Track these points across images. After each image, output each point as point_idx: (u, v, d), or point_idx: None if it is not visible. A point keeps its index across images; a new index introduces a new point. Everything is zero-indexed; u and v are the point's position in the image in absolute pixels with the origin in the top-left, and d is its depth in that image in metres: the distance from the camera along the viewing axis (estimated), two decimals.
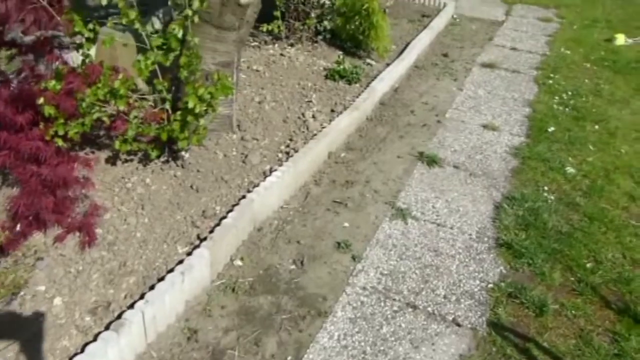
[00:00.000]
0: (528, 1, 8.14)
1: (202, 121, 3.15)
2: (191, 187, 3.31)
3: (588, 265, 3.04)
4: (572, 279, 2.96)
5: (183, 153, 3.45)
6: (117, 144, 3.16)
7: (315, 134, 3.85)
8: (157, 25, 4.13)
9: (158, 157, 3.39)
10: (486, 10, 7.50)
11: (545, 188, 3.69)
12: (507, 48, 6.27)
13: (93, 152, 3.45)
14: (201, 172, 3.43)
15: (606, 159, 4.07)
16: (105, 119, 3.00)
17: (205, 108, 3.04)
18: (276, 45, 5.48)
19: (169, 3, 3.17)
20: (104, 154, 3.44)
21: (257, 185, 3.25)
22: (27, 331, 2.34)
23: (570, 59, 6.00)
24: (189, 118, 3.06)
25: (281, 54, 5.24)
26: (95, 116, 2.94)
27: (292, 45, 5.51)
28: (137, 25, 2.98)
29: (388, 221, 3.32)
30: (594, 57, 6.08)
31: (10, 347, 2.26)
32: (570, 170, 3.88)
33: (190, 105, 2.95)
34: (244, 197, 3.15)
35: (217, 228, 2.88)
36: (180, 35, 3.05)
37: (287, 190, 3.46)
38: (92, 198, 3.03)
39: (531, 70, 5.67)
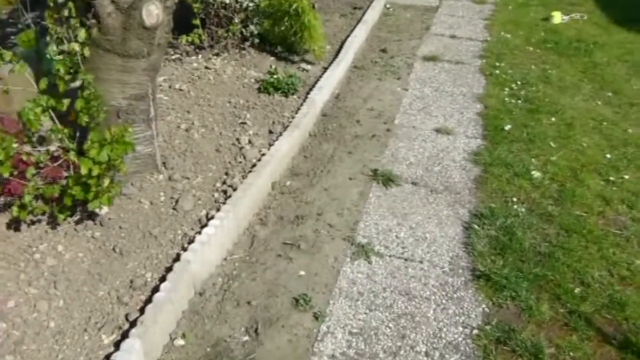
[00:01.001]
0: None
1: (107, 181, 2.58)
2: (114, 249, 2.76)
3: (576, 290, 2.73)
4: (562, 310, 2.63)
5: (98, 210, 2.88)
6: (14, 211, 2.58)
7: (254, 164, 3.36)
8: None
9: (68, 218, 2.81)
10: None
11: (514, 199, 3.36)
12: (447, 37, 5.94)
13: None
14: (125, 229, 2.88)
15: (570, 156, 3.79)
16: None
17: (105, 169, 2.49)
18: (200, 56, 4.91)
19: (47, 39, 2.57)
20: (4, 218, 2.83)
21: (192, 240, 2.73)
22: None
23: (512, 43, 5.74)
24: (90, 181, 2.50)
25: (206, 67, 4.68)
26: None
27: (217, 54, 4.95)
28: (19, 67, 2.38)
29: (349, 262, 2.89)
30: (535, 40, 5.85)
31: None
32: (536, 174, 3.58)
33: (84, 171, 2.39)
34: (177, 258, 2.64)
35: (149, 306, 2.36)
36: (66, 75, 2.47)
37: (229, 238, 2.96)
38: None
39: (475, 59, 5.37)
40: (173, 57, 4.87)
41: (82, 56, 2.58)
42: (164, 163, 3.34)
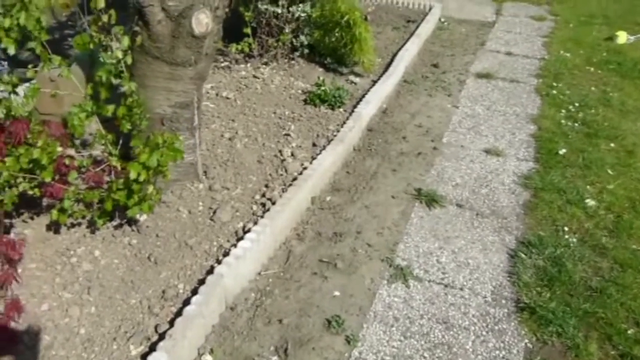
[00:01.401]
0: None
1: (150, 188, 2.57)
2: (149, 258, 2.76)
3: (629, 331, 2.53)
4: (613, 352, 2.44)
5: (138, 216, 2.89)
6: (54, 215, 2.61)
7: (295, 178, 3.30)
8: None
9: (107, 223, 2.83)
10: (475, 10, 6.98)
11: (565, 228, 3.17)
12: (502, 53, 5.75)
13: (32, 218, 2.89)
14: (161, 238, 2.88)
15: (629, 185, 3.56)
16: (33, 191, 2.43)
17: (152, 174, 2.48)
18: (249, 64, 4.92)
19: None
20: (45, 219, 2.88)
21: (227, 253, 2.70)
22: None
23: (571, 62, 5.49)
24: (135, 187, 2.50)
25: (254, 76, 4.68)
26: (19, 189, 2.37)
27: (266, 64, 4.96)
28: (64, 72, 2.41)
29: (386, 285, 2.78)
30: (596, 60, 5.58)
31: None
32: (590, 202, 3.37)
33: (133, 176, 2.39)
34: (211, 270, 2.60)
35: (179, 320, 2.32)
36: (108, 82, 2.48)
37: (265, 252, 2.91)
38: (19, 285, 2.46)
39: (531, 78, 5.16)
40: (222, 64, 4.91)
41: (126, 63, 2.58)
42: (205, 172, 3.33)
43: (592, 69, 5.37)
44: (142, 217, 2.94)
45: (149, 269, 2.70)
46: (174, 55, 2.79)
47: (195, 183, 3.26)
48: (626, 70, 5.28)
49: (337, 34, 4.67)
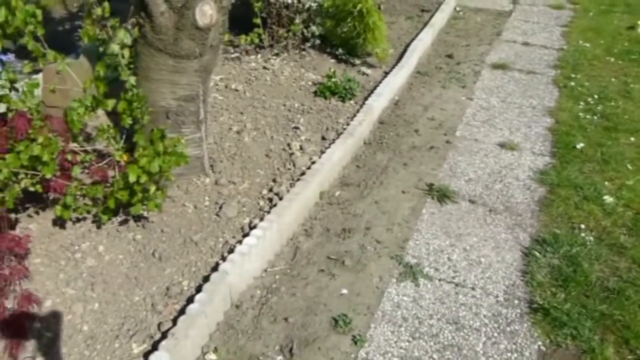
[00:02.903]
0: None
1: (152, 188, 2.52)
2: (153, 254, 2.72)
3: None
4: (630, 357, 2.35)
5: (142, 211, 2.84)
6: (57, 211, 2.57)
7: (303, 172, 3.23)
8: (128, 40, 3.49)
9: (112, 218, 2.80)
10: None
11: (582, 226, 3.07)
12: (519, 43, 5.60)
13: (38, 213, 2.87)
14: (166, 233, 2.83)
15: None
16: (35, 187, 2.39)
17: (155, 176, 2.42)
18: (259, 55, 4.85)
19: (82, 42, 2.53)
20: (51, 214, 2.85)
21: (232, 250, 2.65)
22: None
23: (590, 53, 5.33)
24: (136, 187, 2.45)
25: (264, 67, 4.61)
26: (21, 186, 2.34)
27: (277, 55, 4.88)
28: (60, 66, 2.36)
29: (395, 283, 2.71)
30: (617, 50, 5.41)
31: None
32: (608, 199, 3.26)
33: (132, 179, 2.34)
34: (216, 267, 2.56)
35: (182, 318, 2.28)
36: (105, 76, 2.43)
37: (271, 249, 2.85)
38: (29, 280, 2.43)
39: (548, 69, 5.02)
40: (232, 55, 4.84)
41: (124, 57, 2.52)
42: (211, 166, 3.27)
43: (612, 59, 5.20)
44: (148, 212, 2.89)
45: (153, 265, 2.66)
46: (178, 47, 2.73)
47: (202, 177, 3.21)
48: None
49: (349, 24, 4.57)
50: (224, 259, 2.63)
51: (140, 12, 2.67)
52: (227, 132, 3.67)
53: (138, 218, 2.86)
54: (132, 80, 2.58)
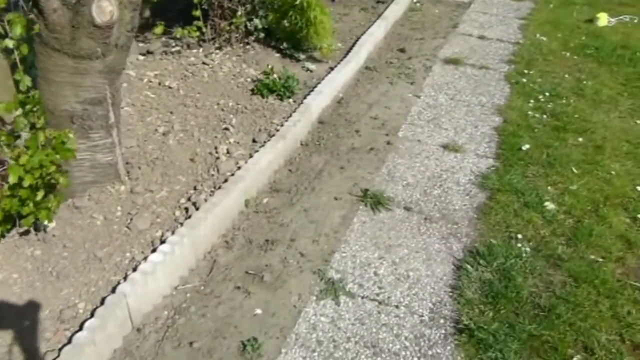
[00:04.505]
0: None
1: (40, 194, 2.29)
2: (51, 272, 2.48)
3: (575, 358, 2.28)
4: None
5: (46, 222, 2.61)
6: None
7: (226, 179, 3.02)
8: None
9: (4, 233, 2.56)
10: None
11: (519, 235, 2.90)
12: (475, 37, 5.42)
13: None
14: (69, 248, 2.60)
15: (593, 186, 3.29)
16: None
17: (39, 178, 2.20)
18: (201, 49, 4.60)
19: None
20: None
21: (136, 268, 2.43)
22: None
23: (547, 47, 5.16)
24: (22, 193, 2.22)
25: (203, 62, 4.36)
26: None
27: (219, 48, 4.63)
28: None
29: (314, 302, 2.53)
30: (573, 44, 5.25)
31: None
32: (549, 206, 3.11)
33: (12, 180, 2.11)
34: (114, 288, 2.34)
35: (67, 348, 2.07)
36: None
37: (185, 264, 2.64)
38: None
39: (502, 64, 4.85)
40: (173, 49, 4.58)
41: (20, 53, 2.28)
42: (128, 172, 3.04)
43: (568, 54, 5.05)
44: (51, 224, 2.66)
45: (49, 284, 2.43)
46: (76, 47, 2.48)
47: (117, 185, 2.97)
48: (603, 56, 4.96)
49: (291, 18, 4.34)
50: (126, 278, 2.42)
51: (33, 9, 2.42)
52: (152, 134, 3.43)
53: (39, 231, 2.62)
54: (27, 80, 2.35)
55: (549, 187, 3.27)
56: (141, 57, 4.43)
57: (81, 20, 2.41)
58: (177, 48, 4.63)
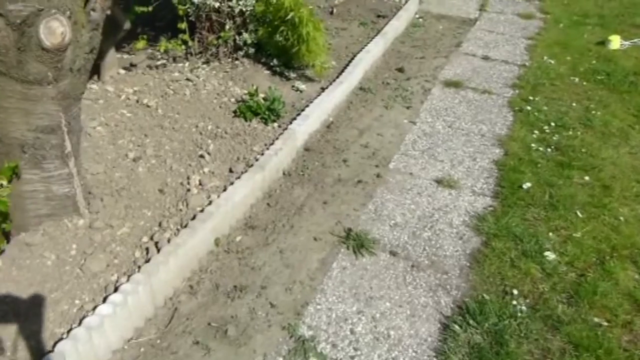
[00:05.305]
0: None
1: None
2: None
3: None
4: None
5: None
6: None
7: (194, 216, 2.75)
8: None
9: None
10: (457, 5, 6.34)
11: (515, 291, 2.62)
12: (478, 57, 5.13)
13: None
14: (10, 294, 2.33)
15: (599, 233, 3.00)
16: None
17: None
18: (187, 63, 4.34)
19: None
20: None
21: (82, 320, 2.17)
22: None
23: (554, 71, 4.86)
24: None
25: (187, 79, 4.11)
26: None
27: (207, 63, 4.37)
28: None
29: None
30: (583, 69, 4.95)
31: None
32: (550, 256, 2.82)
33: None
34: (55, 345, 2.07)
35: None
36: None
37: (141, 313, 2.38)
38: None
39: (506, 89, 4.56)
40: (158, 63, 4.33)
41: None
42: (88, 204, 2.78)
43: (576, 79, 4.74)
44: None
45: None
46: (24, 71, 2.22)
47: (75, 218, 2.71)
48: (615, 83, 4.66)
49: (283, 33, 4.08)
50: (69, 332, 2.15)
51: None
52: (122, 159, 3.17)
53: None
54: None
55: (551, 233, 2.98)
56: (122, 71, 4.18)
57: (27, 43, 2.15)
58: (163, 61, 4.38)
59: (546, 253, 2.84)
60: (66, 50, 2.25)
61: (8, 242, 2.55)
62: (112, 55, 4.09)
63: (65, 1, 2.22)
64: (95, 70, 4.05)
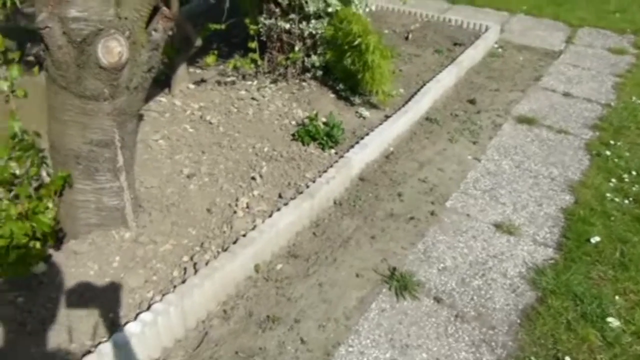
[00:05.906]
0: (599, 24, 6.53)
1: (13, 254, 2.10)
2: (25, 325, 2.29)
3: None
4: None
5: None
6: None
7: (236, 240, 2.73)
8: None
9: None
10: (541, 36, 6.03)
11: (567, 358, 2.38)
12: (558, 93, 4.83)
13: None
14: (52, 299, 2.41)
15: None
16: None
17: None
18: (255, 82, 4.38)
19: None
20: None
21: (112, 333, 2.19)
22: None
23: None
24: None
25: (252, 98, 4.14)
26: None
27: (275, 82, 4.40)
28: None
29: None
30: None
31: None
32: (613, 322, 2.55)
33: None
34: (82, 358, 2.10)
35: None
36: None
37: (170, 334, 2.37)
38: None
39: (585, 130, 4.25)
40: (227, 79, 4.41)
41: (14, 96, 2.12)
42: (137, 217, 2.83)
43: None
44: (39, 269, 2.49)
45: (20, 341, 2.23)
46: (81, 87, 2.30)
47: (122, 230, 2.77)
48: None
49: (349, 59, 4.03)
50: (97, 346, 2.17)
51: (41, 44, 2.28)
52: (176, 175, 3.22)
53: (28, 276, 2.45)
54: (17, 126, 2.18)
55: (617, 297, 2.70)
56: (192, 86, 4.29)
57: (86, 60, 2.22)
58: (232, 78, 4.46)
59: (609, 319, 2.57)
60: (123, 69, 2.30)
61: (59, 249, 2.64)
62: (183, 70, 4.20)
63: (126, 22, 2.27)
64: (167, 84, 4.18)
